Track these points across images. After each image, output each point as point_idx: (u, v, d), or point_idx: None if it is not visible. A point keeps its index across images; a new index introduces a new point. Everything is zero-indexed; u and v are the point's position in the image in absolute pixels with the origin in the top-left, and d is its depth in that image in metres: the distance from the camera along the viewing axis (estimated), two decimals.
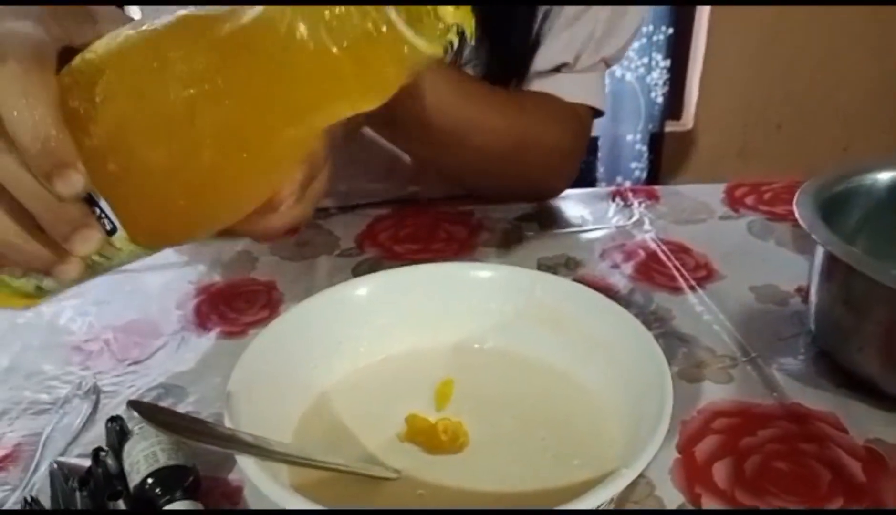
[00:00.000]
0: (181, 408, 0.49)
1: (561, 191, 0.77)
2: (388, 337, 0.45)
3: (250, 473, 0.31)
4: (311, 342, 0.42)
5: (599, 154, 1.96)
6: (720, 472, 0.44)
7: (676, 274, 0.63)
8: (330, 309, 0.43)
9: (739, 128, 1.98)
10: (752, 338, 0.54)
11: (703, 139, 1.99)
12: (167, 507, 0.39)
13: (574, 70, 0.71)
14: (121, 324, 0.59)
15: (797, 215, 0.51)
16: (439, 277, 0.46)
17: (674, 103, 1.98)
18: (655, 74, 1.88)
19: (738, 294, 0.60)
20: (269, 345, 0.40)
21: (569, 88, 0.71)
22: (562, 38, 0.69)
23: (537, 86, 0.71)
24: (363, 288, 0.45)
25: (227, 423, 0.34)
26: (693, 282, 0.61)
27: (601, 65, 0.72)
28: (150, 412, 0.30)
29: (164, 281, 0.64)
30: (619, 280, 0.62)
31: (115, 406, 0.50)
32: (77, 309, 0.61)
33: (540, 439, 0.40)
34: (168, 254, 0.69)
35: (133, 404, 0.29)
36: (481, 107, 0.64)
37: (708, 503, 0.42)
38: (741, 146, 1.97)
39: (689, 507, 0.42)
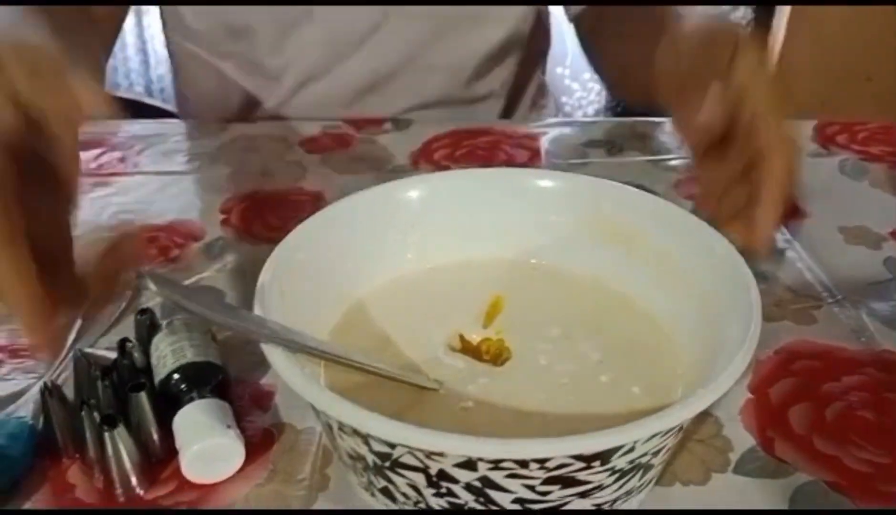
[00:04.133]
0: None
1: None
2: (438, 245, 0.41)
3: (279, 366, 0.28)
4: (354, 242, 0.39)
5: None
6: (797, 416, 0.39)
7: None
8: (377, 209, 0.40)
9: (825, 78, 1.86)
10: (840, 280, 0.49)
11: None
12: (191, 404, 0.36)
13: None
14: (163, 224, 0.57)
15: None
16: (497, 184, 0.42)
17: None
18: (739, 14, 1.76)
19: (825, 233, 0.54)
20: (309, 240, 0.37)
21: None
22: None
23: None
24: (414, 190, 0.41)
25: (257, 313, 0.31)
26: None
27: None
28: (165, 283, 0.27)
29: (211, 184, 0.62)
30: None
31: (149, 302, 0.48)
32: (120, 207, 0.59)
33: (596, 362, 0.36)
34: (215, 158, 0.66)
35: (150, 274, 0.26)
36: None
37: (781, 448, 0.38)
38: (825, 98, 1.84)
39: (760, 449, 0.37)
